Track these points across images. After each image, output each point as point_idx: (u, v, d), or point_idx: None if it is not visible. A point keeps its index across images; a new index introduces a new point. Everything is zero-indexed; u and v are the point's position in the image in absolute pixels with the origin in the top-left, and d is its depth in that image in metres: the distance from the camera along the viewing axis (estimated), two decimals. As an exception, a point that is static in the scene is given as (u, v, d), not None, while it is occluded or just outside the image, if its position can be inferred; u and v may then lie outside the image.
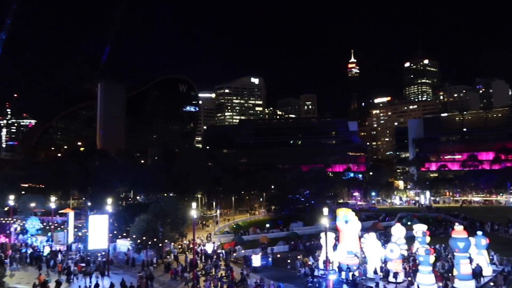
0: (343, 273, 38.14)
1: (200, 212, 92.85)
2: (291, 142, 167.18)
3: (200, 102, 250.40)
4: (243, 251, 51.07)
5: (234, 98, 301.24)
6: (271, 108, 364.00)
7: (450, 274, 36.21)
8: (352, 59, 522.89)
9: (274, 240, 58.85)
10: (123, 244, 48.48)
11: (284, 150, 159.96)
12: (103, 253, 44.99)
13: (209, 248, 50.53)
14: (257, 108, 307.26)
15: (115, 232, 49.85)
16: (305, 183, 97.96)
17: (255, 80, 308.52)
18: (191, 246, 48.50)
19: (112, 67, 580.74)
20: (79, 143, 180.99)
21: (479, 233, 40.40)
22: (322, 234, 40.25)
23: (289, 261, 46.64)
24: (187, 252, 50.80)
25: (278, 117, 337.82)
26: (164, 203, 50.19)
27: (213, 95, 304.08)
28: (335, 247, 42.92)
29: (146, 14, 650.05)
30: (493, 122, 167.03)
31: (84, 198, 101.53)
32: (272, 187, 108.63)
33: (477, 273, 35.73)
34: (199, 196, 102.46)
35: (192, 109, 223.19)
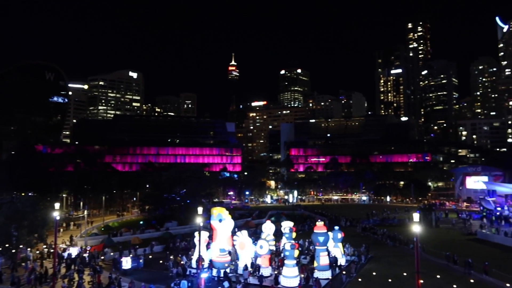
0: (215, 271, 39.02)
1: (64, 213, 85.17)
2: (169, 140, 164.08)
3: (70, 93, 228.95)
4: (112, 253, 48.39)
5: (110, 91, 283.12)
6: (149, 105, 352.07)
7: (310, 266, 39.76)
8: (233, 62, 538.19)
9: (147, 241, 57.13)
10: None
11: (162, 148, 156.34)
12: None
13: (73, 252, 46.65)
14: (134, 104, 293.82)
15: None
16: (181, 182, 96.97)
17: (134, 74, 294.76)
18: (52, 251, 44.10)
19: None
20: None
21: (336, 227, 45.28)
22: (196, 233, 40.50)
23: (161, 261, 45.79)
24: (47, 258, 46.08)
25: (156, 114, 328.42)
26: (21, 204, 44.65)
27: (86, 87, 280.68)
28: (208, 245, 43.56)
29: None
30: (352, 129, 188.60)
31: None
32: (147, 186, 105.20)
33: (333, 264, 39.99)
34: (64, 195, 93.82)
35: (60, 100, 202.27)
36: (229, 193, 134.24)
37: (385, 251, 50.80)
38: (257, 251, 40.21)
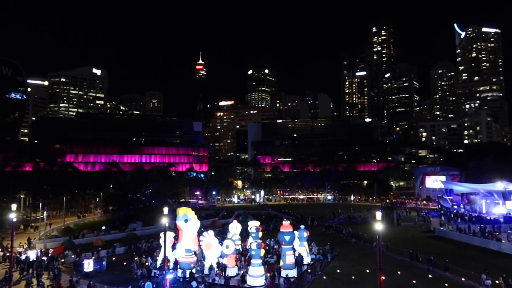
0: (181, 272, 38.58)
1: (22, 215, 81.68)
2: (134, 139, 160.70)
3: (29, 89, 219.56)
4: (73, 256, 46.83)
5: (72, 88, 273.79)
6: (114, 103, 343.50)
7: (276, 265, 40.04)
8: (200, 61, 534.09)
9: (111, 242, 55.70)
10: None
11: (126, 147, 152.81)
12: None
13: (32, 255, 44.79)
14: (98, 101, 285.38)
15: None
16: (146, 182, 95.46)
17: (97, 71, 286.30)
18: (8, 254, 42.12)
19: None
20: None
21: (302, 227, 45.83)
22: (162, 234, 39.88)
23: (125, 263, 44.80)
24: (2, 262, 43.97)
25: (121, 112, 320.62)
26: (-26, 205, 42.41)
27: (46, 83, 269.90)
28: (174, 246, 43.02)
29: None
30: (318, 129, 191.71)
31: None
32: (111, 186, 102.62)
33: (298, 262, 40.46)
34: (22, 196, 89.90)
35: (18, 96, 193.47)
36: (195, 193, 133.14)
37: (349, 249, 51.92)
38: (223, 251, 40.11)
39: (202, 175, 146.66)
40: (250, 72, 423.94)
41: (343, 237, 60.42)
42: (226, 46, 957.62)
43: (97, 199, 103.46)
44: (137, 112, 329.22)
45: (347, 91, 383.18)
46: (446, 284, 35.17)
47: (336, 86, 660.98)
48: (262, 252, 38.82)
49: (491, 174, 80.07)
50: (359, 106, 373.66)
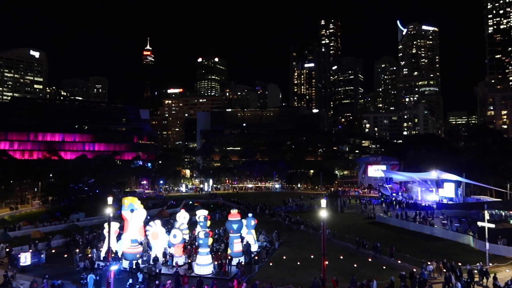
0: (126, 263, 37.75)
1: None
2: (77, 126, 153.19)
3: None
4: (7, 250, 44.13)
5: (6, 71, 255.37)
6: (54, 88, 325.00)
7: (224, 253, 40.35)
8: (148, 47, 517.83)
9: (51, 234, 53.15)
10: None
11: (68, 135, 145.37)
12: None
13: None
14: (36, 86, 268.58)
15: None
16: (89, 171, 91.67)
17: (35, 54, 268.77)
18: None
19: None
20: None
21: (250, 215, 46.45)
22: (106, 224, 38.67)
23: (66, 255, 43.03)
24: None
25: (62, 98, 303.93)
26: None
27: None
28: (119, 237, 41.94)
29: None
30: (267, 119, 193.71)
31: None
32: (51, 175, 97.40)
33: (246, 250, 41.05)
34: None
35: None
36: (142, 182, 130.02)
37: (296, 236, 53.42)
38: (170, 240, 39.74)
39: (149, 164, 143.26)
40: (200, 60, 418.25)
41: (290, 225, 61.95)
42: (175, 33, 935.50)
43: (35, 189, 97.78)
44: (80, 98, 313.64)
45: (296, 82, 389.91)
46: (384, 267, 37.34)
47: (285, 77, 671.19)
48: (210, 241, 38.93)
49: (426, 164, 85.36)
50: (307, 97, 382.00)
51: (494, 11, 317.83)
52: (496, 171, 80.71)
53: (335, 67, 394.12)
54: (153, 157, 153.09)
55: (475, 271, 33.30)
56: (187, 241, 43.85)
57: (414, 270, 33.74)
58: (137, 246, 39.26)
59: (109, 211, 32.29)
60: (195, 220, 45.76)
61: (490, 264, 35.96)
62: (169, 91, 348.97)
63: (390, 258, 40.15)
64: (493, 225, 42.65)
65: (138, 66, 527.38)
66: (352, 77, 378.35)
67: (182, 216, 45.57)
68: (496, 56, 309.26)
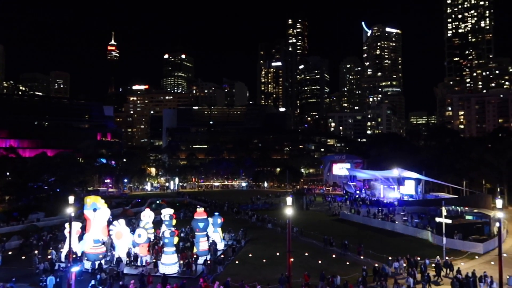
0: (89, 263, 36.77)
1: None
2: (36, 122, 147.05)
3: None
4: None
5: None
6: (11, 82, 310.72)
7: (190, 252, 40.08)
8: (113, 42, 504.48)
9: (7, 235, 50.91)
10: None
11: (26, 131, 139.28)
12: None
13: None
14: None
15: None
16: (50, 169, 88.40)
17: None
18: None
19: None
20: None
21: (216, 213, 46.34)
22: (67, 224, 37.49)
23: (24, 257, 41.38)
24: None
25: (20, 93, 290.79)
26: None
27: None
28: (81, 237, 40.79)
29: None
30: (234, 117, 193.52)
31: None
32: (7, 174, 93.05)
33: (212, 249, 40.96)
34: None
35: None
36: (105, 181, 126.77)
37: (262, 234, 53.75)
38: (135, 240, 39.04)
39: (113, 162, 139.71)
40: (166, 56, 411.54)
41: (256, 223, 62.25)
42: (141, 28, 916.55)
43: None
44: (40, 94, 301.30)
45: (263, 80, 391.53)
46: (348, 263, 38.29)
47: (252, 75, 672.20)
48: (176, 239, 38.54)
49: (388, 162, 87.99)
50: (274, 95, 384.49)
51: (453, 16, 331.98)
52: (453, 169, 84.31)
53: (302, 66, 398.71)
54: (117, 155, 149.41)
55: (441, 265, 34.77)
56: (152, 240, 43.22)
57: (376, 265, 34.73)
58: (100, 246, 38.31)
59: (70, 210, 31.33)
60: (160, 219, 45.05)
61: (447, 258, 37.57)
62: (135, 87, 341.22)
63: (358, 256, 40.42)
64: (449, 221, 44.68)
65: (102, 61, 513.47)
66: (318, 76, 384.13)
67: (147, 215, 44.81)
68: (454, 59, 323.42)
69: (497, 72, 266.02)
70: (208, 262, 36.85)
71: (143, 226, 41.28)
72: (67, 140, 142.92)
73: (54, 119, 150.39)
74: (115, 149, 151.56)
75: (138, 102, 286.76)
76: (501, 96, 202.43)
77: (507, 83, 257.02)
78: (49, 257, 38.75)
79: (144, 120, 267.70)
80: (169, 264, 35.89)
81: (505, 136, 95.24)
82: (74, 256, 36.00)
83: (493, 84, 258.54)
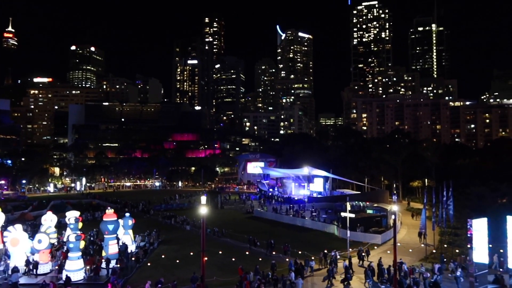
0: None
1: None
2: None
3: None
4: None
5: None
6: None
7: (98, 256, 37.91)
8: (10, 28, 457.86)
9: None
10: None
11: None
12: None
13: None
14: None
15: None
16: None
17: None
18: None
19: None
20: None
21: (127, 214, 44.44)
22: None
23: None
24: None
25: None
26: None
27: None
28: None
29: None
30: (147, 115, 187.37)
31: None
32: None
33: (122, 251, 39.16)
34: None
35: None
36: (0, 182, 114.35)
37: (176, 234, 52.76)
38: (34, 246, 35.78)
39: (9, 161, 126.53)
40: (74, 48, 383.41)
41: (170, 223, 60.96)
42: (45, 16, 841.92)
43: None
44: None
45: (179, 78, 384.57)
46: (260, 259, 39.28)
47: (167, 72, 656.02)
48: (82, 244, 36.18)
49: (299, 161, 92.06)
50: (190, 94, 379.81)
51: (358, 25, 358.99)
52: (357, 167, 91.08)
53: (218, 65, 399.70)
54: (14, 153, 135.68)
55: (363, 254, 38.08)
56: (55, 245, 40.04)
57: (299, 261, 35.69)
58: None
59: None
60: (65, 222, 41.96)
61: (350, 249, 40.42)
62: (36, 80, 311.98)
63: (284, 255, 40.23)
64: (353, 215, 48.15)
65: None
66: (234, 76, 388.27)
67: (49, 219, 41.46)
68: (359, 66, 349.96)
69: (394, 79, 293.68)
70: (118, 266, 35.22)
71: (44, 231, 38.04)
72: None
73: None
74: (11, 147, 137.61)
75: (40, 96, 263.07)
76: (398, 101, 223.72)
77: (402, 89, 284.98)
78: None
79: (47, 115, 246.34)
80: (74, 270, 33.54)
81: (400, 137, 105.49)
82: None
83: (391, 90, 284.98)
